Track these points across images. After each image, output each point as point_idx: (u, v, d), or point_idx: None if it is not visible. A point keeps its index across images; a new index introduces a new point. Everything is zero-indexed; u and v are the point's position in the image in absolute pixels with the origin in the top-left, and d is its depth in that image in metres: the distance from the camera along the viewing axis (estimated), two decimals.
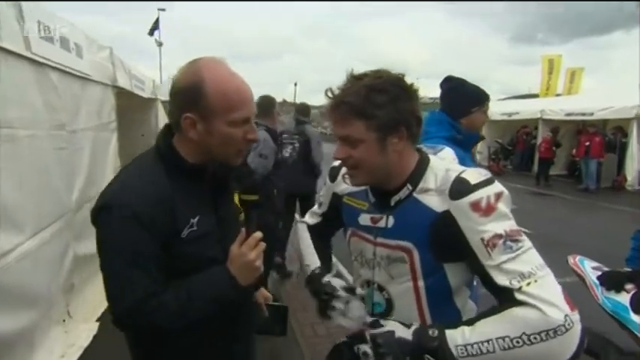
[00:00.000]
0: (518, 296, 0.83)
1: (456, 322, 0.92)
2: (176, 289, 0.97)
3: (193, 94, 0.96)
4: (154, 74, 7.41)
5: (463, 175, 0.93)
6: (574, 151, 11.40)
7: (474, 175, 0.93)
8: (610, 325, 1.91)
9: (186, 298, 0.96)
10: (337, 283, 1.09)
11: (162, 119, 6.79)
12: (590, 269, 2.08)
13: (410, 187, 1.00)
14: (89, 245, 3.28)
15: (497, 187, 0.91)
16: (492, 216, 0.88)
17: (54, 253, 2.66)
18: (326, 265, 1.25)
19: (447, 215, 0.92)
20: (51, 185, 2.63)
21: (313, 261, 1.26)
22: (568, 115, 11.76)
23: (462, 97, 1.90)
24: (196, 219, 1.00)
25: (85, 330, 2.92)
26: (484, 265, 0.88)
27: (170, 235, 0.96)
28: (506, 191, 0.92)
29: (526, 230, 0.96)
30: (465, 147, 1.85)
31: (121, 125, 4.29)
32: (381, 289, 1.08)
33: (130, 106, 5.11)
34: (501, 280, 0.86)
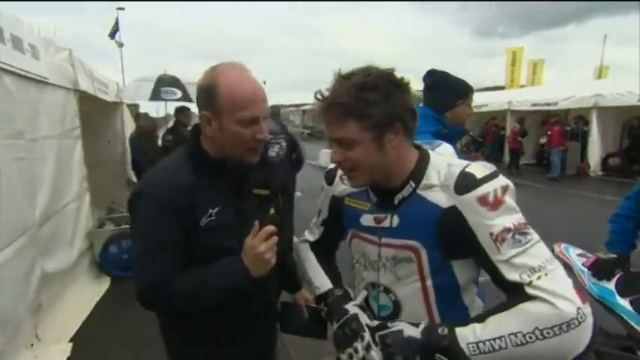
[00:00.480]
0: (530, 291, 0.82)
1: (466, 319, 0.90)
2: (193, 274, 1.06)
3: (208, 94, 1.08)
4: (116, 77, 7.09)
5: (468, 170, 0.92)
6: (541, 140, 11.87)
7: (479, 169, 0.92)
8: (596, 309, 1.96)
9: (201, 283, 1.05)
10: (364, 319, 1.02)
11: (129, 124, 6.53)
12: (575, 256, 2.15)
13: (413, 185, 0.98)
14: (57, 261, 3.10)
15: (502, 180, 0.91)
16: (500, 210, 0.88)
17: (18, 271, 2.49)
18: (337, 285, 1.19)
19: (453, 211, 0.91)
20: (11, 198, 2.44)
21: (324, 283, 1.19)
22: (534, 105, 12.23)
23: (446, 91, 1.89)
24: (216, 210, 1.09)
25: (57, 352, 2.75)
26: (493, 261, 0.87)
27: (190, 223, 1.06)
28: (511, 184, 0.91)
29: None
30: (450, 141, 1.83)
31: (86, 131, 4.07)
32: (387, 291, 1.06)
33: (93, 110, 4.86)
34: (511, 275, 0.85)
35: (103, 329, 3.21)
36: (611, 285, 1.90)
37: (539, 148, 12.39)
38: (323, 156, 14.77)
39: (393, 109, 0.91)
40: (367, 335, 0.96)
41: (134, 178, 6.25)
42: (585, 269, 2.02)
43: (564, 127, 10.70)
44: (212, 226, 1.08)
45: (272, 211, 1.23)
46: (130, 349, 2.87)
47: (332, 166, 1.20)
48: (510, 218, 0.87)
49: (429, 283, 0.98)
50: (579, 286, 1.85)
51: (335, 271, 1.26)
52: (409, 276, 1.00)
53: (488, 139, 14.44)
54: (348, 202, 1.13)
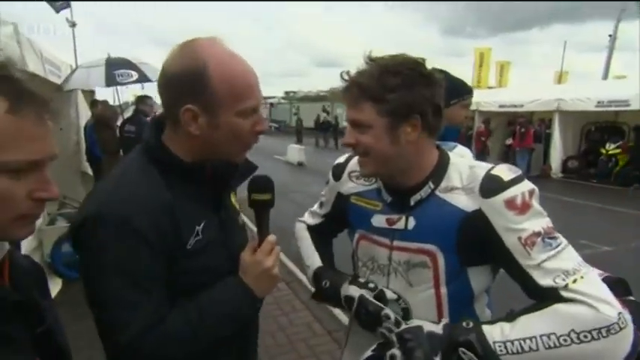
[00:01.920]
0: (566, 294, 0.79)
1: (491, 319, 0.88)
2: (184, 310, 0.86)
3: (195, 81, 0.85)
4: (69, 59, 6.60)
5: (494, 172, 0.91)
6: (507, 141, 12.40)
7: (505, 171, 0.91)
8: None
9: (198, 320, 0.86)
10: (392, 315, 0.95)
11: (84, 111, 6.17)
12: None
13: (432, 186, 0.96)
14: None
15: (529, 184, 0.90)
16: (529, 214, 0.86)
17: None
18: (329, 265, 1.19)
19: (478, 215, 0.88)
20: None
21: (314, 260, 1.19)
22: (501, 106, 12.73)
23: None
24: (202, 225, 0.91)
25: None
26: (523, 266, 0.84)
27: (175, 248, 0.86)
28: (537, 188, 0.90)
29: None
30: (443, 140, 1.83)
31: None
32: (397, 297, 1.02)
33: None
34: (544, 280, 0.82)
35: None
36: None
37: (504, 149, 12.94)
38: (291, 151, 14.71)
39: (414, 100, 0.89)
40: (389, 312, 0.94)
41: (89, 171, 5.92)
42: None
43: (531, 128, 11.28)
44: (201, 246, 0.90)
45: (241, 219, 1.10)
46: None
47: (341, 160, 1.17)
48: (539, 222, 0.86)
49: (443, 290, 0.95)
50: None
51: (326, 251, 1.24)
52: (423, 282, 0.97)
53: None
54: (356, 201, 1.09)
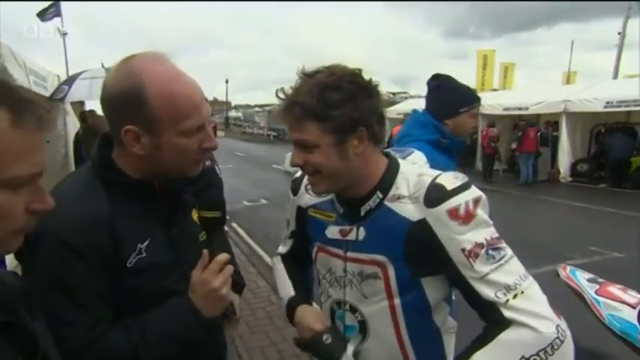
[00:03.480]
0: (506, 313, 0.83)
1: (438, 342, 0.92)
2: (126, 329, 0.88)
3: (132, 101, 0.86)
4: (58, 70, 6.68)
5: (438, 181, 0.91)
6: (512, 145, 12.38)
7: (449, 179, 0.91)
8: (618, 347, 1.66)
9: (140, 339, 0.87)
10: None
11: (72, 123, 6.23)
12: (585, 282, 1.90)
13: (380, 195, 0.97)
14: None
15: (474, 191, 0.91)
16: (472, 224, 0.87)
17: None
18: (304, 291, 1.20)
19: (422, 224, 0.90)
20: None
21: (287, 290, 1.19)
22: (506, 109, 12.74)
23: (448, 97, 1.84)
24: (145, 244, 0.91)
25: None
26: (466, 278, 0.87)
27: (114, 267, 0.87)
28: (484, 196, 0.91)
29: None
30: (449, 153, 1.79)
31: None
32: (353, 310, 1.03)
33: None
34: (486, 293, 0.85)
35: None
36: (634, 318, 1.64)
37: (510, 153, 12.91)
38: (289, 160, 14.63)
39: (358, 113, 0.90)
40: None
41: None
42: (600, 298, 1.79)
43: (537, 132, 11.21)
44: (142, 266, 0.90)
45: (203, 236, 1.11)
46: None
47: (298, 174, 1.18)
48: (483, 232, 0.88)
49: (397, 301, 0.96)
50: (595, 318, 1.67)
51: (299, 276, 1.24)
52: (376, 294, 0.98)
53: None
54: (313, 214, 1.11)
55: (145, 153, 0.90)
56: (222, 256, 0.95)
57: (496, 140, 12.02)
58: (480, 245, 0.86)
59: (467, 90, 1.89)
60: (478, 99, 1.91)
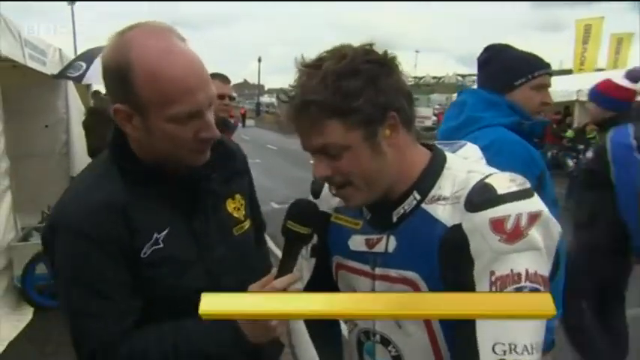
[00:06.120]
0: None
1: None
2: (160, 334, 0.98)
3: (121, 79, 0.94)
4: (64, 41, 7.01)
5: (488, 181, 0.88)
6: None
7: (503, 181, 0.88)
8: None
9: (172, 348, 0.96)
10: None
11: (75, 104, 6.48)
12: None
13: (417, 196, 0.95)
14: None
15: (534, 203, 0.86)
16: (518, 244, 0.82)
17: None
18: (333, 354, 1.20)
19: (456, 231, 0.87)
20: None
21: (309, 357, 1.18)
22: None
23: (501, 67, 1.75)
24: (163, 233, 1.00)
25: None
26: None
27: (129, 255, 0.97)
28: (546, 213, 0.86)
29: None
30: (528, 138, 1.69)
31: (12, 113, 4.01)
32: (385, 342, 1.02)
33: (24, 85, 4.83)
34: (484, 337, 0.81)
35: None
36: None
37: None
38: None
39: (384, 96, 0.90)
40: None
41: None
42: None
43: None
44: (159, 258, 0.99)
45: (239, 229, 1.17)
46: None
47: None
48: (527, 261, 0.83)
49: (437, 332, 0.94)
50: None
51: (334, 344, 1.23)
52: (411, 322, 0.96)
53: (548, 140, 14.18)
54: (335, 219, 1.11)
55: (138, 135, 0.99)
56: (290, 277, 0.97)
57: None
58: (515, 276, 0.82)
59: (525, 56, 1.76)
60: (542, 66, 1.75)
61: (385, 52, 0.92)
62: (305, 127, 0.93)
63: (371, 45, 0.92)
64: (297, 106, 0.92)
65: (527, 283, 0.81)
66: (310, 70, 0.91)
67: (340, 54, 0.90)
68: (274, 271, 1.00)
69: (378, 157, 0.92)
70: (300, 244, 1.02)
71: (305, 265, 1.25)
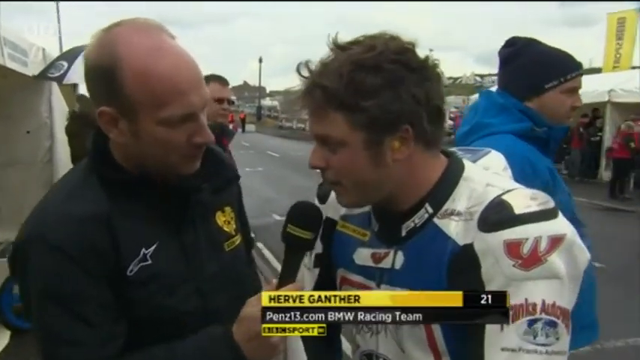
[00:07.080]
0: None
1: None
2: (151, 358, 0.97)
3: (106, 79, 0.94)
4: (49, 41, 7.12)
5: (506, 197, 0.87)
6: None
7: (523, 199, 0.87)
8: None
9: None
10: None
11: (59, 108, 6.49)
12: None
13: (430, 210, 0.95)
14: None
15: (557, 226, 0.85)
16: (535, 270, 0.81)
17: None
18: None
19: (467, 251, 0.87)
20: None
21: None
22: None
23: (529, 66, 1.69)
24: (152, 248, 1.00)
25: None
26: (484, 340, 0.82)
27: (114, 273, 0.96)
28: (571, 237, 0.84)
29: (595, 263, 0.93)
30: (544, 148, 1.65)
31: None
32: None
33: (4, 88, 4.84)
34: None
35: None
36: None
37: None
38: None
39: (399, 104, 0.88)
40: None
41: None
42: None
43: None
44: (147, 276, 0.99)
45: (230, 244, 1.17)
46: None
47: None
48: (544, 290, 0.81)
49: (445, 359, 0.94)
50: None
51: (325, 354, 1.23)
52: (418, 347, 0.96)
53: (575, 145, 14.12)
54: (341, 228, 1.12)
55: (124, 141, 0.99)
56: (293, 287, 0.94)
57: (636, 140, 11.30)
58: (530, 306, 0.80)
59: (555, 55, 1.71)
60: (575, 67, 1.70)
61: (426, 58, 0.92)
62: (311, 109, 0.95)
63: (412, 44, 0.91)
64: (307, 86, 0.93)
65: (543, 315, 0.80)
66: (337, 51, 0.92)
67: (372, 44, 0.90)
68: (275, 281, 1.00)
69: (377, 168, 0.93)
70: (302, 250, 1.03)
71: (307, 275, 1.24)
